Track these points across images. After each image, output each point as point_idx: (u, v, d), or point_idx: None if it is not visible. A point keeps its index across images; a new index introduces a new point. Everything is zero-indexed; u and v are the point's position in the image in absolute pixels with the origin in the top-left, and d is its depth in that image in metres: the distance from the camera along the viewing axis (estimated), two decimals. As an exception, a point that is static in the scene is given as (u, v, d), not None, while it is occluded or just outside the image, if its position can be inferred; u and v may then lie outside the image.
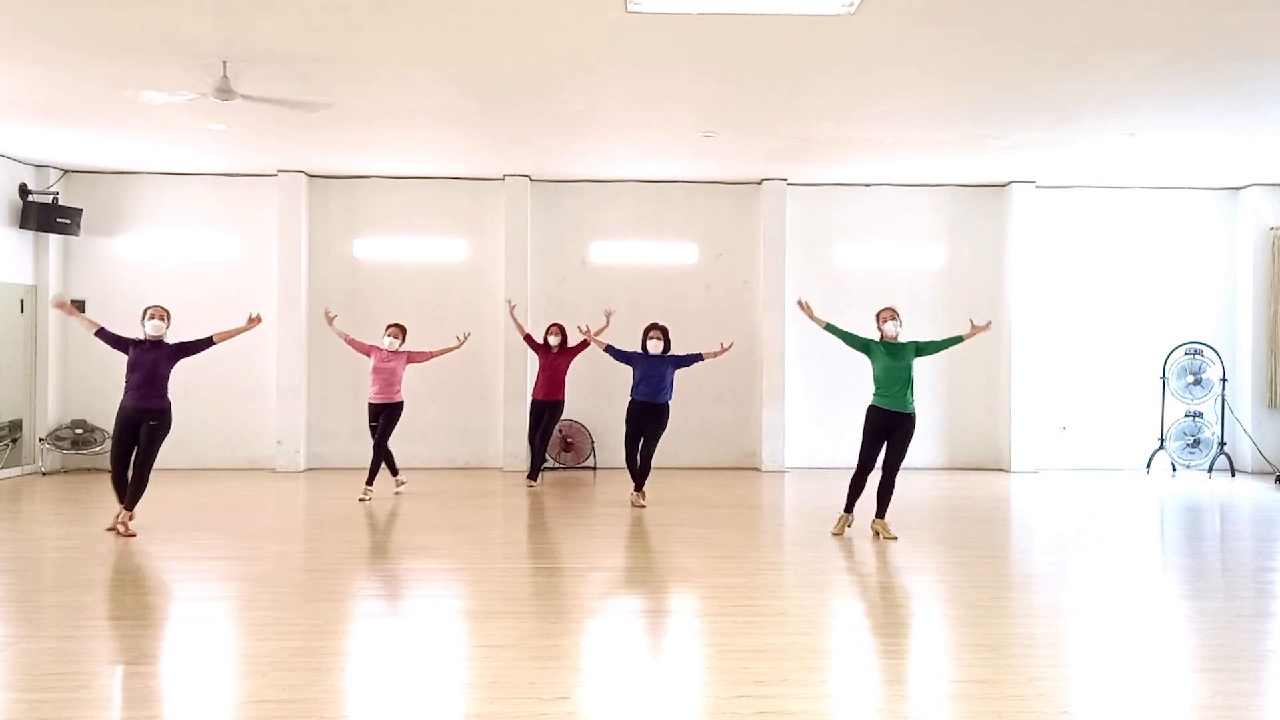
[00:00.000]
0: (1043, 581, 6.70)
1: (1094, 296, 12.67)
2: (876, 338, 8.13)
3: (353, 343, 9.80)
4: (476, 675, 4.62)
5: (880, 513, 7.99)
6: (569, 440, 12.15)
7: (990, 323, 8.52)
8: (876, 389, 7.95)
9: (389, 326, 9.81)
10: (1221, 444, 12.09)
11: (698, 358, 9.59)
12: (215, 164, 11.53)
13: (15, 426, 11.55)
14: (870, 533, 7.99)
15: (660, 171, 11.84)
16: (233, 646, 5.10)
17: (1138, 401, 12.54)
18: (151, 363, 7.81)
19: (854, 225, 12.58)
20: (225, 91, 7.52)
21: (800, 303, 8.41)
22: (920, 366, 12.54)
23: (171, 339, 8.09)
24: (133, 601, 6.07)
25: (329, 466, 12.21)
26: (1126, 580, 6.72)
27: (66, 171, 11.91)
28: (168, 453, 12.08)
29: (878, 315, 8.16)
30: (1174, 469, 12.32)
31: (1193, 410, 12.20)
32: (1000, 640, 5.21)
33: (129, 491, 7.85)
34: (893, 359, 7.93)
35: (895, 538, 7.85)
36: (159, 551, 7.33)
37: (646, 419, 9.40)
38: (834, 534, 7.99)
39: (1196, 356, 12.21)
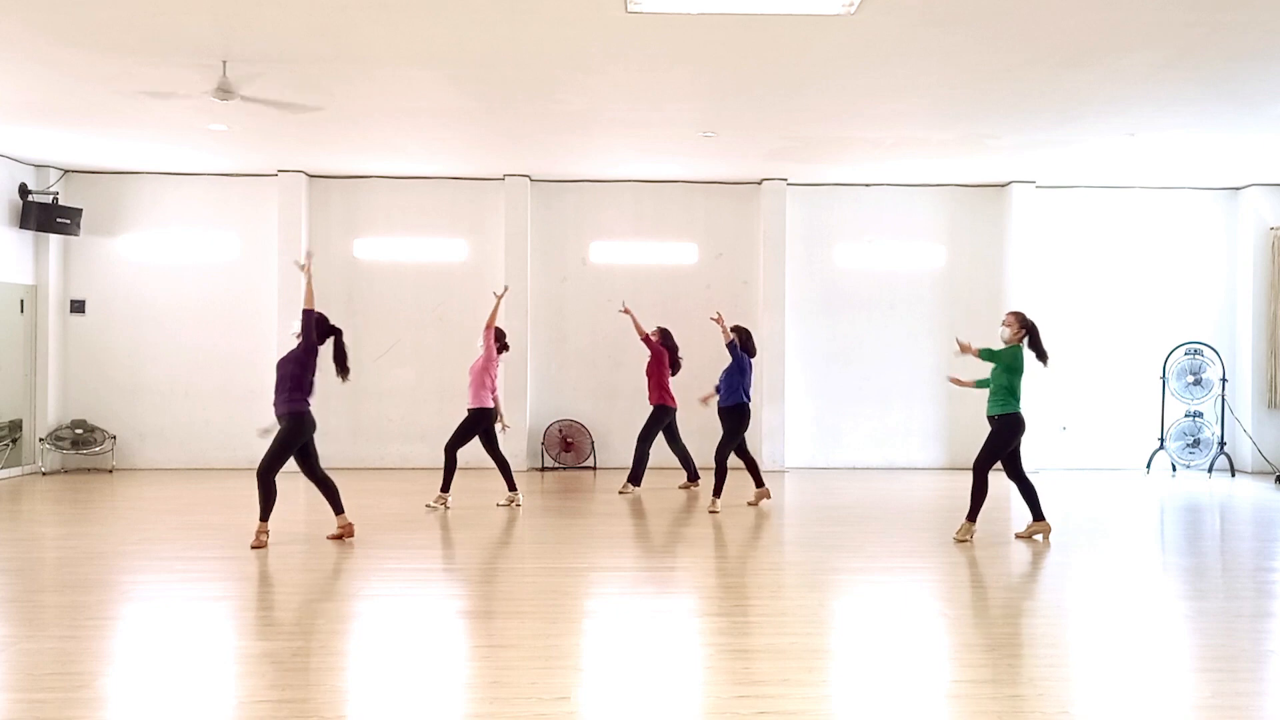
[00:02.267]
0: (1043, 581, 6.70)
1: (1094, 296, 12.67)
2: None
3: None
4: (476, 675, 4.61)
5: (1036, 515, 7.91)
6: (569, 440, 12.15)
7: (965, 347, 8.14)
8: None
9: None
10: (1221, 444, 12.09)
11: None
12: (215, 164, 11.53)
13: (15, 426, 11.55)
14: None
15: (660, 171, 11.84)
16: (233, 646, 5.10)
17: (1138, 401, 12.53)
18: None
19: (854, 225, 12.58)
20: (225, 91, 7.53)
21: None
22: (921, 367, 12.56)
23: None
24: (132, 602, 6.07)
25: (329, 467, 12.12)
26: (1126, 580, 6.72)
27: (66, 171, 11.91)
28: (167, 452, 12.18)
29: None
30: (1174, 469, 12.32)
31: (1193, 410, 12.20)
32: (1000, 640, 5.21)
33: (332, 497, 7.84)
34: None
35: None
36: (160, 551, 7.33)
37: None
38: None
39: (1196, 356, 12.21)
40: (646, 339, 10.34)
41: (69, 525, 8.80)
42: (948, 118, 9.14)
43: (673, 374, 10.34)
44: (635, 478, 10.28)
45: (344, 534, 7.74)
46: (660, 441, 10.42)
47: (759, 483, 9.56)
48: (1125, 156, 10.68)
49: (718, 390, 9.41)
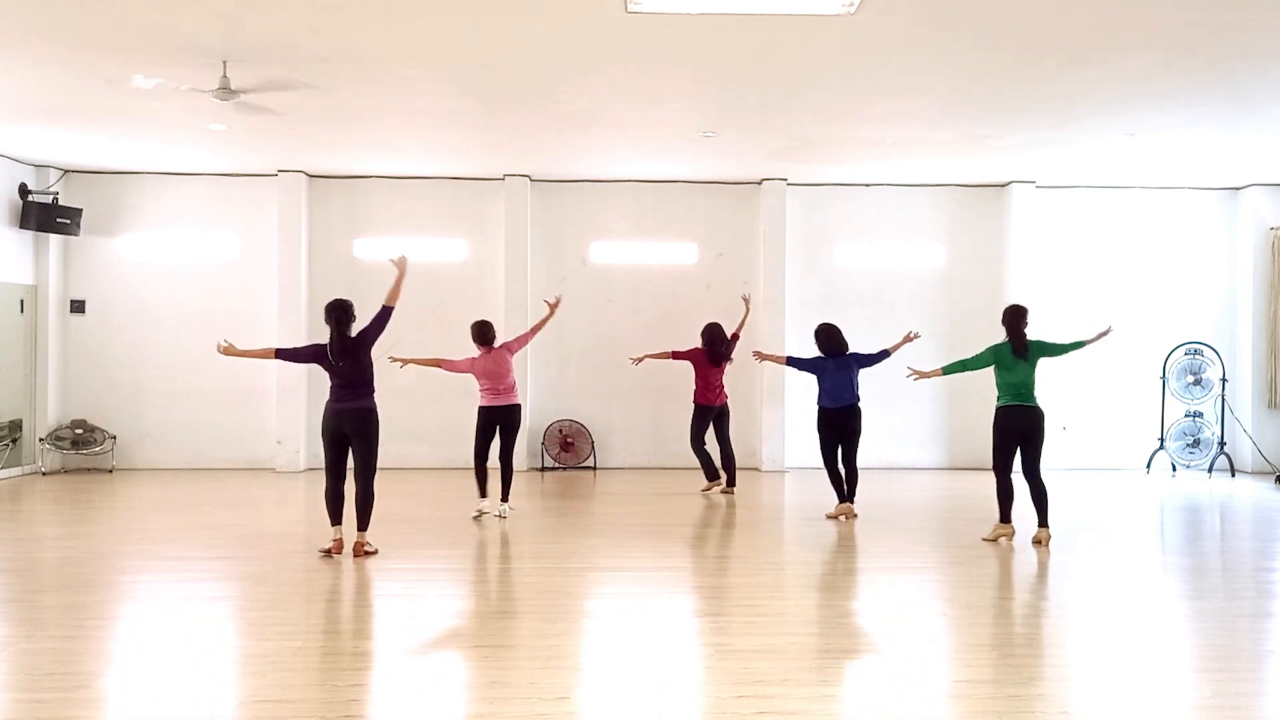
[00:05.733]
0: (1043, 581, 6.70)
1: (1094, 296, 12.65)
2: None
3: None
4: (476, 675, 4.62)
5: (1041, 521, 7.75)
6: (569, 440, 12.15)
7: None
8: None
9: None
10: (1221, 444, 12.08)
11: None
12: (215, 164, 11.52)
13: (15, 426, 11.54)
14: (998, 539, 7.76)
15: (660, 171, 11.84)
16: (233, 646, 5.10)
17: (1138, 401, 12.52)
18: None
19: (854, 225, 12.57)
20: (225, 91, 7.52)
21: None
22: (921, 367, 12.57)
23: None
24: (132, 602, 6.07)
25: (329, 466, 12.19)
26: (1126, 580, 6.72)
27: (66, 171, 11.91)
28: (167, 452, 12.17)
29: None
30: (1174, 469, 12.32)
31: (1193, 410, 12.19)
32: (1000, 640, 5.21)
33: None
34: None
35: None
36: (160, 551, 7.32)
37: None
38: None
39: (1196, 356, 12.21)
40: (676, 355, 10.12)
41: (69, 525, 8.80)
42: (948, 118, 9.13)
43: (715, 365, 9.97)
44: (710, 474, 10.12)
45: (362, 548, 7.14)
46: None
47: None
48: (1125, 156, 10.68)
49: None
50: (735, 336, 10.22)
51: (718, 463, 10.16)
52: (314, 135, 9.95)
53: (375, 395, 7.14)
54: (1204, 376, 12.18)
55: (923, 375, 8.15)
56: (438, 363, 8.80)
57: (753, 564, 7.15)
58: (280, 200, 12.00)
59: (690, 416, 10.15)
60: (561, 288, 12.37)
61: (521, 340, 9.03)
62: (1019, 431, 7.73)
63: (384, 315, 7.35)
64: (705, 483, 10.14)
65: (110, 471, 11.79)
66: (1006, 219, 12.46)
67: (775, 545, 7.96)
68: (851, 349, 9.15)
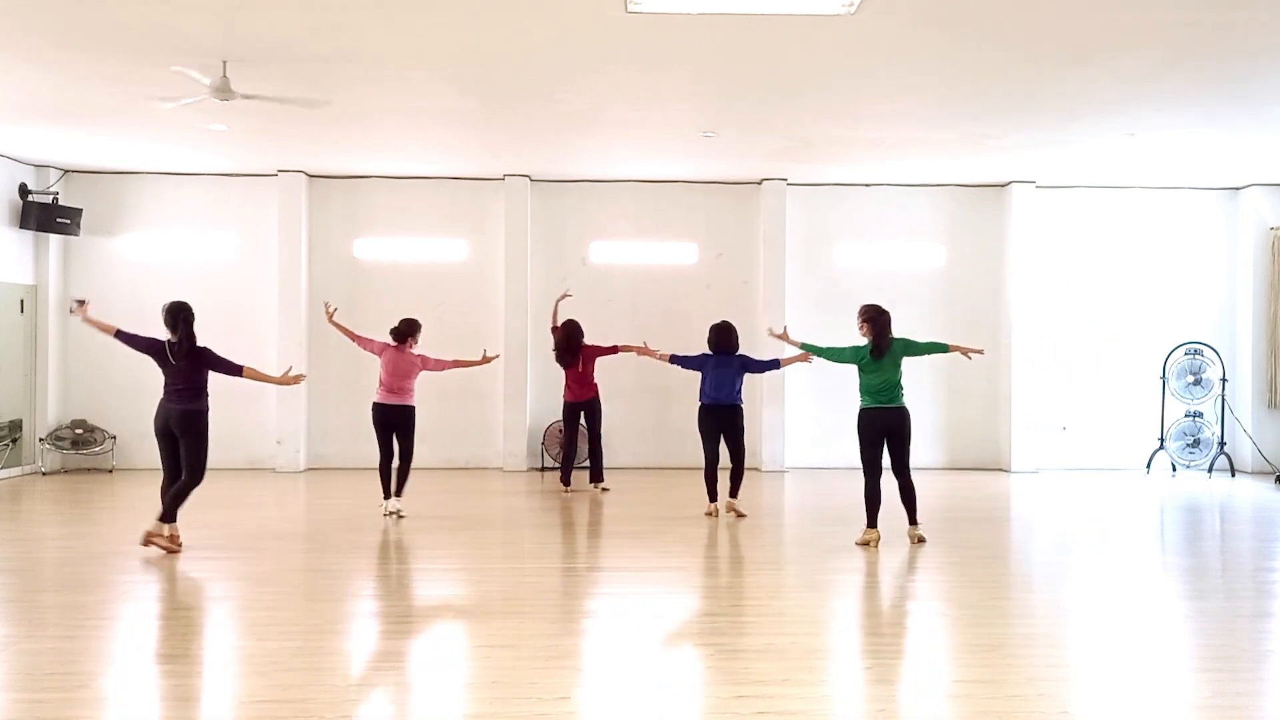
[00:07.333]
0: (1043, 581, 6.70)
1: (1094, 296, 12.66)
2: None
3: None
4: (476, 675, 4.61)
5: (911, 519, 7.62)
6: (569, 440, 12.13)
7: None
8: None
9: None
10: (1221, 444, 12.08)
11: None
12: (215, 164, 11.52)
13: (15, 426, 11.54)
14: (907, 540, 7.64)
15: (660, 171, 11.84)
16: (233, 646, 5.10)
17: (1138, 401, 12.52)
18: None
19: (854, 225, 12.57)
20: (225, 91, 7.52)
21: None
22: (921, 366, 12.57)
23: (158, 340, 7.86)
24: (132, 602, 6.06)
25: (329, 466, 12.21)
26: (1126, 580, 6.72)
27: (66, 171, 11.91)
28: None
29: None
30: (1174, 469, 12.32)
31: (1193, 410, 12.19)
32: (1000, 640, 5.20)
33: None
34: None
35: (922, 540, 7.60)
36: (160, 552, 7.31)
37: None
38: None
39: (1196, 356, 12.21)
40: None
41: (69, 525, 8.80)
42: (948, 118, 9.13)
43: (563, 366, 10.29)
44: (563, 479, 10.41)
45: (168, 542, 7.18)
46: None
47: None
48: (1125, 156, 10.68)
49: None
50: (614, 349, 10.28)
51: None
52: (314, 135, 9.95)
53: (208, 400, 7.46)
54: (1204, 376, 12.18)
55: (784, 338, 8.30)
56: (354, 336, 8.98)
57: (752, 564, 7.15)
58: (280, 200, 12.01)
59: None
60: (562, 288, 12.39)
61: (440, 364, 9.02)
62: (881, 433, 7.51)
63: (231, 370, 7.52)
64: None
65: (110, 471, 11.79)
66: (1006, 219, 12.46)
67: (774, 545, 7.96)
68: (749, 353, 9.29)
